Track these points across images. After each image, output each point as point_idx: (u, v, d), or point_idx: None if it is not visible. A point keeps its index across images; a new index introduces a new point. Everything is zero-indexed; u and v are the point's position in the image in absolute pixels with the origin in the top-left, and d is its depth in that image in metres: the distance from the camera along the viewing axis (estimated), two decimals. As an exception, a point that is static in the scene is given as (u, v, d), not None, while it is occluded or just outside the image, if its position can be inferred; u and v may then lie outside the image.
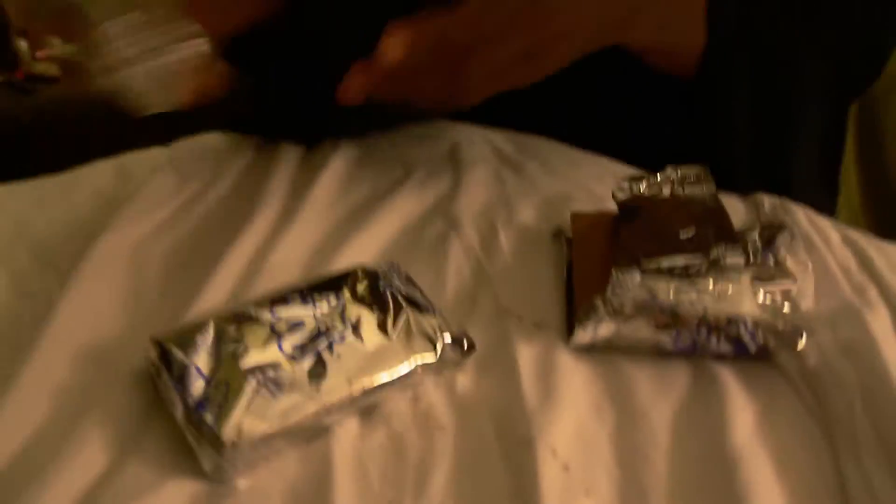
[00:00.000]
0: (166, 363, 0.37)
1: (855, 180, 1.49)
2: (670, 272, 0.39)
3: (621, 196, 0.49)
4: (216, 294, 0.45)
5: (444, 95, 0.52)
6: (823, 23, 0.62)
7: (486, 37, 0.47)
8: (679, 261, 0.40)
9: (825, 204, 0.72)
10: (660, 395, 0.37)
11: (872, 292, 0.44)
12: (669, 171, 0.50)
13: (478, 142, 0.70)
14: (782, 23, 0.60)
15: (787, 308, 0.39)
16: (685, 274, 0.40)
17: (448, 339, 0.39)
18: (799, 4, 0.60)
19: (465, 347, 0.39)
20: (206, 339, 0.37)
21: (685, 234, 0.43)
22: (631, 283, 0.39)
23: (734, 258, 0.41)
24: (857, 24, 0.64)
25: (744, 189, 0.60)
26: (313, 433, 0.35)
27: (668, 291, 0.39)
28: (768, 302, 0.39)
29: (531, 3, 0.48)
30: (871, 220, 1.49)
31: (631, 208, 0.47)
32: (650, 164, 0.52)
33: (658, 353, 0.40)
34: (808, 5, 0.61)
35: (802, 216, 0.55)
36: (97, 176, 0.64)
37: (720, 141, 0.64)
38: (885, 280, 0.46)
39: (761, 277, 0.40)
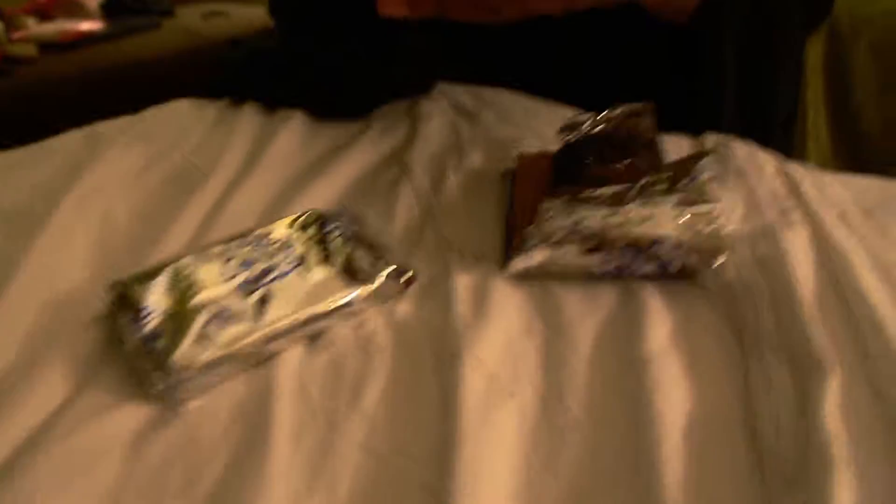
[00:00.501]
0: (123, 304, 0.39)
1: (825, 123, 1.51)
2: (597, 200, 0.42)
3: (565, 134, 0.51)
4: (177, 242, 0.48)
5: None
6: None
7: None
8: (608, 190, 0.42)
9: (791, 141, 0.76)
10: (586, 312, 0.40)
11: (796, 214, 0.47)
12: (614, 109, 0.52)
13: (437, 97, 0.72)
14: None
15: (707, 229, 0.42)
16: (613, 201, 0.42)
17: (389, 270, 0.41)
18: None
19: (406, 278, 0.42)
20: (162, 281, 0.40)
21: (619, 166, 0.45)
22: (559, 212, 0.41)
23: (660, 184, 0.43)
24: None
25: (731, 130, 0.63)
26: (259, 359, 0.38)
27: (593, 217, 0.41)
28: (690, 223, 0.42)
29: None
30: (841, 162, 1.51)
31: (571, 145, 0.50)
32: None
33: (588, 277, 0.42)
34: None
35: (741, 150, 0.57)
36: (68, 143, 0.66)
37: (711, 82, 0.67)
38: (810, 204, 0.48)
39: (684, 202, 0.43)
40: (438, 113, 0.67)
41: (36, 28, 2.06)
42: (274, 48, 0.79)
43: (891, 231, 0.46)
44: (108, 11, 2.24)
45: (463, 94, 0.72)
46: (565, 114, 0.66)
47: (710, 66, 0.66)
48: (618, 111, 0.52)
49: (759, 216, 0.47)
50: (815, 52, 1.44)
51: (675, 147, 0.59)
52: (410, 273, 0.42)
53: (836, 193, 0.51)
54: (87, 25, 2.07)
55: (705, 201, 0.43)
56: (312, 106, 0.68)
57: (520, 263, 0.42)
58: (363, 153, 0.58)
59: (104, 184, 0.55)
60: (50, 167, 0.62)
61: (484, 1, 0.46)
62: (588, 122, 0.52)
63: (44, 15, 2.15)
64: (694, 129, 0.64)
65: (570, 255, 0.41)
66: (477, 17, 0.47)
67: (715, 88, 0.67)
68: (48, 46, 1.98)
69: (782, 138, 0.73)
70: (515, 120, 0.65)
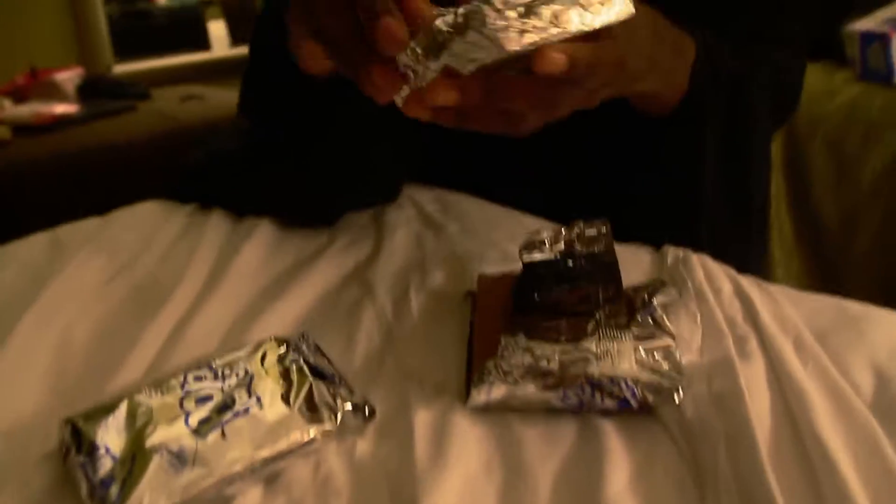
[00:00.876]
0: (77, 443, 0.39)
1: (787, 216, 1.55)
2: (556, 336, 0.42)
3: (524, 256, 0.52)
4: (136, 368, 0.47)
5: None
6: (760, 64, 0.69)
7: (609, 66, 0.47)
8: (565, 323, 0.43)
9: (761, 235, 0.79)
10: (546, 452, 0.40)
11: (752, 343, 0.48)
12: (572, 226, 0.53)
13: (404, 204, 0.73)
14: (736, 64, 0.65)
15: (665, 365, 0.42)
16: (572, 336, 0.43)
17: (349, 407, 0.41)
18: (742, 50, 0.67)
19: (366, 415, 0.42)
20: (118, 418, 0.39)
21: (576, 294, 0.46)
22: (518, 349, 0.42)
23: (618, 317, 0.44)
24: (780, 66, 0.72)
25: (709, 219, 0.66)
26: (215, 504, 0.37)
27: (553, 355, 0.41)
28: (648, 359, 0.42)
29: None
30: (803, 252, 1.55)
31: (530, 267, 0.50)
32: (619, 207, 0.57)
33: (549, 410, 0.43)
34: (747, 51, 0.67)
35: (699, 269, 0.58)
36: (30, 249, 0.66)
37: (692, 174, 0.68)
38: (766, 330, 0.49)
39: (641, 336, 0.43)
40: (404, 223, 0.68)
41: (11, 110, 2.08)
42: (237, 151, 0.79)
43: (844, 358, 0.47)
44: (84, 94, 2.27)
45: (429, 201, 0.74)
46: (528, 224, 0.68)
47: (693, 157, 0.68)
48: (575, 230, 0.53)
49: (716, 345, 0.47)
50: (773, 149, 1.49)
51: (634, 261, 0.61)
52: (370, 409, 0.42)
53: (791, 317, 0.52)
54: (62, 108, 2.09)
55: (663, 334, 0.44)
56: (278, 214, 0.68)
57: (479, 398, 0.42)
58: (327, 269, 0.59)
59: (65, 300, 0.55)
60: (11, 275, 0.62)
61: (509, 111, 0.45)
62: (547, 241, 0.53)
63: (20, 97, 2.17)
64: (676, 220, 0.67)
65: (530, 391, 0.42)
66: (497, 128, 0.46)
67: (698, 178, 0.69)
68: (22, 129, 1.99)
69: (760, 222, 0.78)
70: (478, 233, 0.66)
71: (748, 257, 0.80)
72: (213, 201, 0.73)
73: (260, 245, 0.63)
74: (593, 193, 0.67)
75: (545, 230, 0.54)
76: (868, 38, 1.50)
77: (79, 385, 0.46)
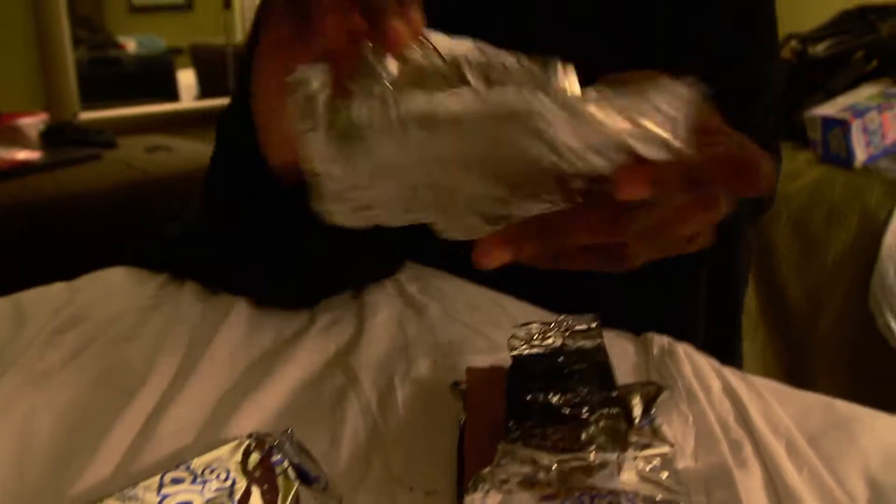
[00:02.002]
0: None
1: (753, 295, 1.58)
2: (553, 443, 0.41)
3: (514, 350, 0.51)
4: (105, 467, 0.44)
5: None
6: None
7: None
8: (560, 430, 0.42)
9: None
10: (543, 568, 0.38)
11: (747, 449, 0.47)
12: (561, 320, 0.52)
13: (384, 282, 0.71)
14: None
15: (665, 475, 0.41)
16: (568, 445, 0.41)
17: (336, 515, 0.39)
18: None
19: (354, 524, 0.40)
20: (86, 526, 0.37)
21: (570, 397, 0.45)
22: (515, 458, 0.40)
23: (616, 425, 0.43)
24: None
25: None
26: None
27: (551, 465, 0.40)
28: (647, 470, 0.41)
29: None
30: (767, 329, 1.57)
31: (520, 363, 0.49)
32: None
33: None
34: None
35: (687, 364, 0.58)
36: (-10, 318, 0.63)
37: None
38: (759, 435, 0.48)
39: (640, 444, 0.42)
40: (385, 303, 0.67)
41: (-31, 157, 2.02)
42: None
43: (837, 465, 0.47)
44: (47, 141, 2.23)
45: (408, 280, 0.72)
46: (509, 308, 0.67)
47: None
48: (564, 324, 0.52)
49: (712, 450, 0.47)
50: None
51: (618, 351, 0.60)
52: (358, 518, 0.40)
53: (781, 418, 0.51)
54: (24, 154, 2.05)
55: (662, 443, 0.43)
56: (255, 296, 0.66)
57: (473, 508, 0.41)
58: (308, 355, 0.57)
59: (26, 384, 0.51)
60: (-31, 350, 0.58)
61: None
62: (536, 334, 0.52)
63: (-20, 142, 2.12)
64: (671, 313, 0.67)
65: (528, 501, 0.40)
66: (595, 265, 0.40)
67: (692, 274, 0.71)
68: (-19, 174, 1.94)
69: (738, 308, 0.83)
70: (460, 317, 0.64)
71: (729, 344, 0.81)
72: (185, 273, 0.70)
73: (237, 325, 0.61)
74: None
75: (533, 323, 0.53)
76: (829, 123, 1.56)
77: (42, 487, 0.42)
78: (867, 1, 2.12)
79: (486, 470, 0.40)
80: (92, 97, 2.98)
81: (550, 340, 0.52)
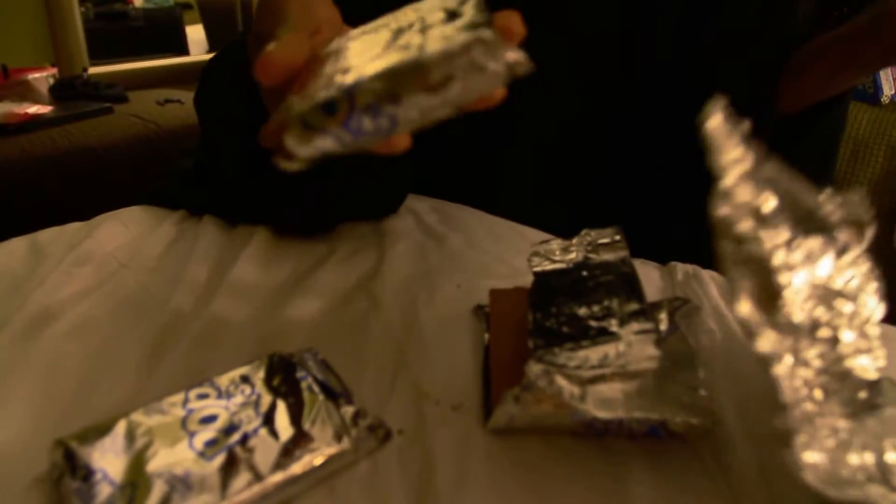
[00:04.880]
0: (71, 466, 0.35)
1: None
2: (580, 363, 0.40)
3: (536, 267, 0.50)
4: (130, 386, 0.44)
5: None
6: None
7: None
8: (587, 347, 0.41)
9: None
10: (570, 476, 0.38)
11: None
12: (584, 235, 0.51)
13: (402, 213, 0.71)
14: None
15: (698, 398, 0.40)
16: (596, 363, 0.40)
17: (363, 428, 0.39)
18: None
19: (382, 436, 0.39)
20: (115, 440, 0.37)
21: (597, 310, 0.44)
22: (543, 382, 0.39)
23: (644, 343, 0.41)
24: None
25: None
26: (223, 535, 0.34)
27: (579, 395, 0.39)
28: (680, 391, 0.40)
29: None
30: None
31: (542, 280, 0.48)
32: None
33: (572, 434, 0.41)
34: None
35: (713, 286, 0.57)
36: (8, 256, 0.62)
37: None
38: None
39: (670, 362, 0.41)
40: (405, 233, 0.66)
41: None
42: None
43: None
44: (57, 95, 2.21)
45: (428, 211, 0.72)
46: (532, 237, 0.66)
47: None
48: (587, 238, 0.51)
49: (742, 364, 0.46)
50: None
51: (643, 276, 0.59)
52: (387, 431, 0.40)
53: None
54: (35, 108, 2.03)
55: (691, 361, 0.42)
56: (273, 223, 0.66)
57: (501, 421, 0.40)
58: (330, 281, 0.56)
59: (48, 312, 0.51)
60: (-10, 284, 0.58)
61: None
62: (558, 250, 0.51)
63: (-9, 97, 2.10)
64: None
65: (556, 418, 0.40)
66: None
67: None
68: (-6, 128, 1.93)
69: None
70: (482, 246, 0.64)
71: None
72: (203, 208, 0.70)
73: (257, 255, 0.60)
74: (603, 206, 0.66)
75: (554, 240, 0.52)
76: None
77: (69, 405, 0.42)
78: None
79: (513, 391, 0.39)
80: (100, 52, 2.94)
81: (573, 255, 0.51)
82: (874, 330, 0.36)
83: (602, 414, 0.37)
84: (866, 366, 0.35)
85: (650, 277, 0.60)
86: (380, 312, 0.52)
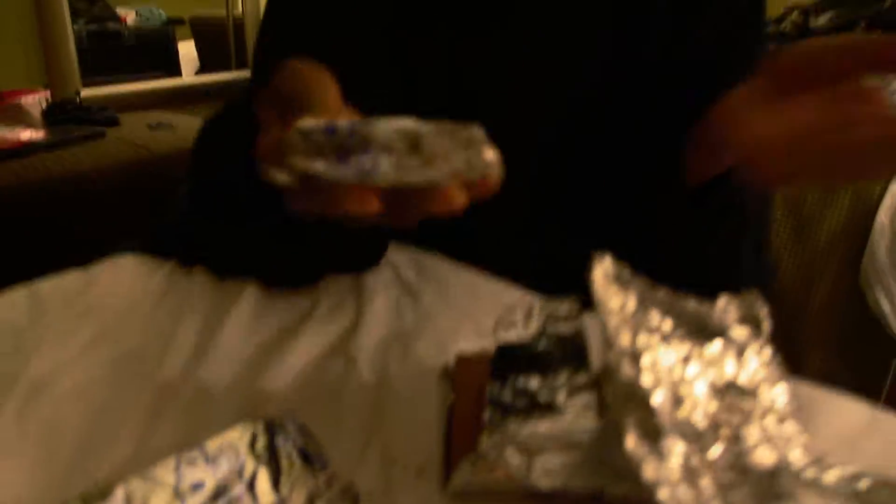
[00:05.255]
0: (73, 530, 0.40)
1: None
2: (528, 441, 0.45)
3: (499, 337, 0.55)
4: (127, 448, 0.49)
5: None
6: None
7: None
8: (541, 428, 0.46)
9: None
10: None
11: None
12: (544, 306, 0.56)
13: (382, 266, 0.75)
14: None
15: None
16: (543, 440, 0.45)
17: (336, 491, 0.43)
18: None
19: (352, 499, 0.44)
20: None
21: (547, 382, 0.49)
22: (494, 454, 0.44)
23: (588, 410, 0.47)
24: None
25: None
26: None
27: (526, 465, 0.44)
28: (618, 464, 0.45)
29: None
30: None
31: (503, 350, 0.53)
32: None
33: (525, 498, 0.45)
34: None
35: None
36: (11, 309, 0.67)
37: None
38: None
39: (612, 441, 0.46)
40: (383, 288, 0.71)
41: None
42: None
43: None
44: (50, 119, 2.25)
45: (407, 264, 0.76)
46: (501, 294, 0.71)
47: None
48: (547, 309, 0.56)
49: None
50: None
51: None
52: (355, 492, 0.44)
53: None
54: (27, 134, 2.07)
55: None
56: (261, 277, 0.70)
57: (458, 486, 0.45)
58: (310, 341, 0.61)
59: (51, 374, 0.56)
60: (-6, 338, 0.63)
61: None
62: (520, 320, 0.56)
63: (-16, 121, 2.14)
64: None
65: (504, 484, 0.44)
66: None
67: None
68: (-13, 153, 1.96)
69: None
70: (456, 303, 0.69)
71: None
72: (193, 260, 0.74)
73: (244, 312, 0.65)
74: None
75: (518, 309, 0.57)
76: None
77: (70, 467, 0.47)
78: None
79: (471, 457, 0.44)
80: (91, 71, 2.99)
81: (533, 326, 0.56)
82: (775, 418, 0.41)
83: (545, 483, 0.42)
84: (767, 455, 0.40)
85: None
86: (355, 373, 0.57)
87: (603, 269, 0.42)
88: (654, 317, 0.43)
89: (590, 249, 0.69)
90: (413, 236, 0.80)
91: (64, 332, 0.61)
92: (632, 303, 0.42)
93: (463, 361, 0.56)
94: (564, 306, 0.56)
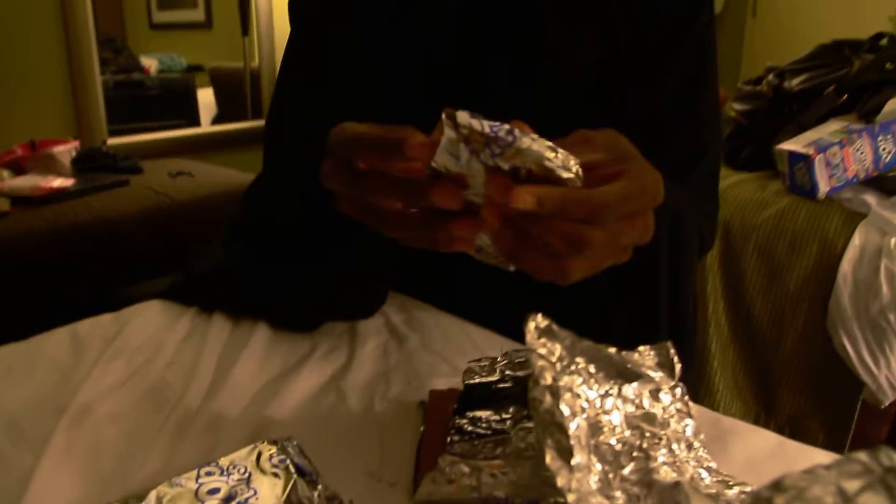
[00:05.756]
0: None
1: (723, 312, 1.71)
2: (483, 453, 0.56)
3: (466, 379, 0.66)
4: (157, 462, 0.60)
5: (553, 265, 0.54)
6: (691, 205, 0.85)
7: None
8: (489, 443, 0.57)
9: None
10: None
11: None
12: (507, 354, 0.67)
13: (375, 314, 0.87)
14: (680, 200, 0.81)
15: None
16: (492, 454, 0.56)
17: (324, 498, 0.54)
18: (682, 193, 0.83)
19: (336, 506, 0.55)
20: (147, 504, 0.52)
21: (500, 414, 0.60)
22: (450, 469, 0.55)
23: (524, 444, 0.57)
24: (703, 207, 0.89)
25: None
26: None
27: (476, 479, 0.54)
28: (547, 478, 0.56)
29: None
30: (738, 345, 1.71)
31: (469, 389, 0.64)
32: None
33: (476, 506, 0.56)
34: (682, 195, 0.83)
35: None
36: (55, 347, 0.79)
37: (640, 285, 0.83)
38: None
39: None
40: (374, 333, 0.82)
41: (10, 182, 2.20)
42: (234, 262, 0.92)
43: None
44: (79, 166, 2.40)
45: (397, 311, 0.88)
46: (476, 339, 0.82)
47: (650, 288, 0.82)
48: (507, 358, 0.67)
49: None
50: (712, 253, 1.67)
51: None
52: (340, 500, 0.55)
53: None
54: (58, 182, 2.22)
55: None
56: (271, 320, 0.82)
57: (423, 496, 0.56)
58: (309, 378, 0.72)
59: (92, 403, 0.67)
60: (42, 372, 0.74)
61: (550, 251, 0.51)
62: (485, 367, 0.67)
63: (18, 169, 2.29)
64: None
65: (459, 494, 0.55)
66: (544, 272, 0.53)
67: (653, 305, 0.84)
68: (20, 200, 2.11)
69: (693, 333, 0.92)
70: (435, 347, 0.80)
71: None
72: (215, 307, 0.86)
73: (254, 353, 0.76)
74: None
75: (485, 358, 0.68)
76: (794, 157, 1.70)
77: (111, 476, 0.58)
78: (845, 35, 2.25)
79: (431, 475, 0.55)
80: (117, 119, 3.16)
81: (497, 370, 0.67)
82: (684, 445, 0.52)
83: (492, 494, 0.53)
84: (672, 474, 0.51)
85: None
86: (345, 406, 0.68)
87: (534, 323, 0.53)
88: (579, 361, 0.54)
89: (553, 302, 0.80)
90: (410, 286, 0.92)
91: (103, 367, 0.73)
92: (558, 350, 0.53)
93: (434, 395, 0.67)
94: (524, 352, 0.68)
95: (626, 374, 0.57)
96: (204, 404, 0.68)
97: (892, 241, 1.49)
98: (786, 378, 1.59)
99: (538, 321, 0.53)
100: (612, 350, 0.57)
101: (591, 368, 0.55)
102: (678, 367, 0.55)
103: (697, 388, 1.65)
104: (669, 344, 0.59)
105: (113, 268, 2.05)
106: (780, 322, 1.62)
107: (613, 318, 0.84)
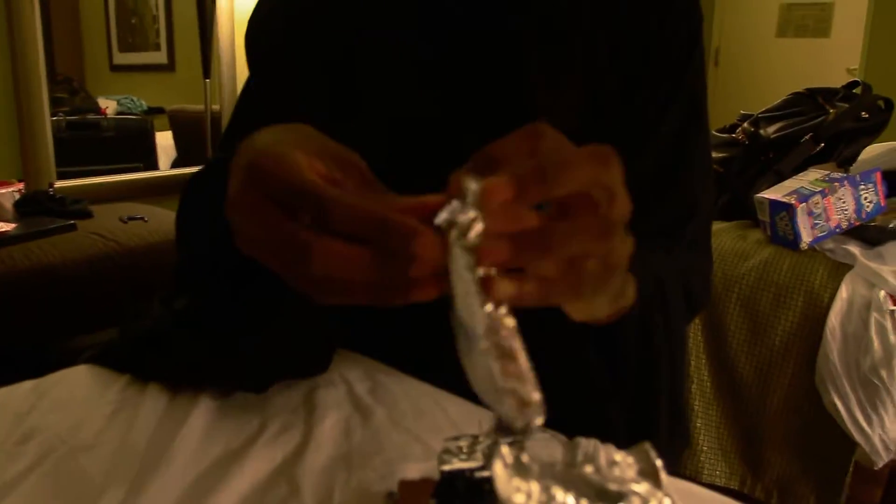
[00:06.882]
0: None
1: (706, 368, 1.63)
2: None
3: (443, 463, 0.55)
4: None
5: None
6: (675, 268, 0.78)
7: None
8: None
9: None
10: None
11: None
12: (487, 433, 0.57)
13: (335, 381, 0.76)
14: (660, 266, 0.74)
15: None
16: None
17: None
18: (662, 255, 0.76)
19: None
20: None
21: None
22: None
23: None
24: (693, 269, 0.83)
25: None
26: None
27: None
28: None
29: None
30: (722, 402, 1.62)
31: (446, 478, 0.54)
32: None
33: None
34: (664, 257, 0.76)
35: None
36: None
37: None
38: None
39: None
40: (335, 406, 0.71)
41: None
42: (174, 325, 0.81)
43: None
44: (22, 211, 2.26)
45: (361, 379, 0.77)
46: (451, 412, 0.72)
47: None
48: (489, 440, 0.57)
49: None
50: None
51: (547, 456, 0.64)
52: None
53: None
54: (-1, 226, 2.08)
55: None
56: (212, 385, 0.71)
57: None
58: (255, 465, 0.61)
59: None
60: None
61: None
62: (464, 449, 0.57)
63: (-45, 213, 2.15)
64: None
65: None
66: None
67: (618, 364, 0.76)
68: (-45, 247, 1.96)
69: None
70: (405, 423, 0.69)
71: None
72: (147, 375, 0.75)
73: (193, 431, 0.65)
74: None
75: (462, 437, 0.58)
76: (776, 206, 1.64)
77: None
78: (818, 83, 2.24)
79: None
80: (68, 161, 3.02)
81: (477, 454, 0.56)
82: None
83: None
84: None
85: (554, 456, 0.66)
86: (298, 499, 0.57)
87: (501, 462, 0.43)
88: (556, 493, 0.45)
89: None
90: (371, 345, 0.82)
91: (7, 454, 0.61)
92: (535, 489, 0.44)
93: (406, 487, 0.56)
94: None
95: (608, 496, 0.48)
96: (128, 499, 0.56)
97: (882, 293, 1.43)
98: (773, 438, 1.50)
99: (504, 456, 0.45)
100: (589, 469, 0.48)
101: (570, 500, 0.46)
102: (662, 473, 0.46)
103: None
104: (649, 446, 0.50)
105: (56, 318, 1.91)
106: (765, 378, 1.54)
107: (606, 397, 0.76)
